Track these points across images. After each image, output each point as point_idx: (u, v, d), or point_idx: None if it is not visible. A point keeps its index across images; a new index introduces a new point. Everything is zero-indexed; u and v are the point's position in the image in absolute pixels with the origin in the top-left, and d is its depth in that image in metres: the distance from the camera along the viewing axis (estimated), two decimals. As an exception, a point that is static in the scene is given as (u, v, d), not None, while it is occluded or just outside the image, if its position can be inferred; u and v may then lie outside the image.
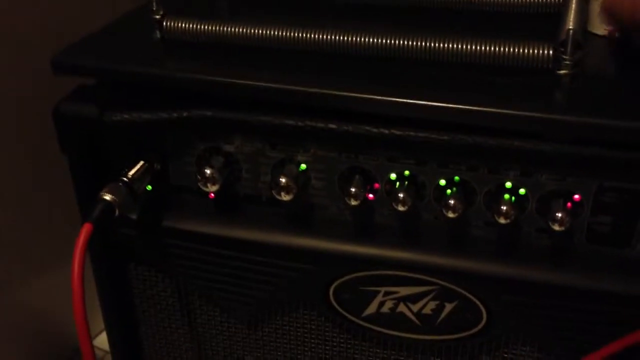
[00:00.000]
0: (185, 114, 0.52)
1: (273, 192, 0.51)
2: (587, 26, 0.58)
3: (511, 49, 0.51)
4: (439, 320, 0.55)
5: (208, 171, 0.52)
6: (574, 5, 0.55)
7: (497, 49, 0.51)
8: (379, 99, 0.49)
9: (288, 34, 0.54)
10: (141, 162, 0.53)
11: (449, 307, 0.54)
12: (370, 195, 0.53)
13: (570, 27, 0.51)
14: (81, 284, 0.44)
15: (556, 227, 0.48)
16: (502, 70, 0.51)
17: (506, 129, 0.48)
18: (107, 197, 0.49)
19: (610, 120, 0.46)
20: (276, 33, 0.54)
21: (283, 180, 0.51)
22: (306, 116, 0.51)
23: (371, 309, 0.56)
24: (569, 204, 0.49)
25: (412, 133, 0.50)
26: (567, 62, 0.50)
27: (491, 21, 0.63)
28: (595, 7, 0.57)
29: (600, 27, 0.57)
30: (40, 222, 0.83)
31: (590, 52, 0.55)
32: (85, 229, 0.46)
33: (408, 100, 0.49)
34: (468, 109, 0.48)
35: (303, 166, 0.53)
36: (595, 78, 0.52)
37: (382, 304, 0.56)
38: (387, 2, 0.66)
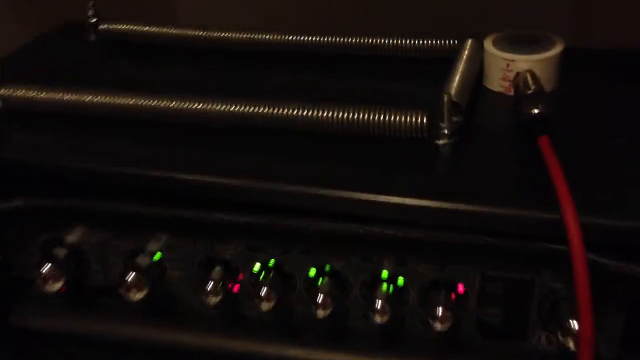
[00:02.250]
0: (15, 204, 0.45)
1: (120, 291, 0.45)
2: (484, 82, 0.52)
3: (382, 117, 0.45)
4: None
5: (48, 267, 0.45)
6: (461, 61, 0.49)
7: (366, 117, 0.45)
8: (235, 184, 0.43)
9: (127, 101, 0.48)
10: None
11: (332, 405, 0.48)
12: (235, 287, 0.46)
13: (449, 91, 0.45)
14: None
15: (438, 326, 0.42)
16: (375, 141, 0.45)
17: (374, 217, 0.42)
18: None
19: (488, 208, 0.40)
20: (114, 101, 0.48)
21: (130, 278, 0.44)
22: (154, 202, 0.45)
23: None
24: (452, 295, 0.43)
25: (273, 221, 0.44)
26: (444, 131, 0.45)
27: (388, 68, 0.57)
28: (492, 61, 0.51)
29: (496, 83, 0.51)
30: None
31: (481, 112, 0.49)
32: None
33: (266, 186, 0.43)
34: (331, 194, 0.42)
35: (158, 255, 0.46)
36: (478, 148, 0.46)
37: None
38: (268, 47, 0.60)
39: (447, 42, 0.56)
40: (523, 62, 0.49)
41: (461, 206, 0.40)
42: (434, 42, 0.57)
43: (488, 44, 0.52)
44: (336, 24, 0.72)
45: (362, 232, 0.43)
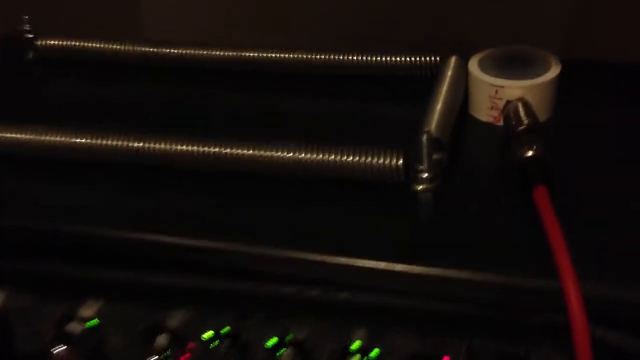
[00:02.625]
0: None
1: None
2: (470, 109, 0.46)
3: (350, 158, 0.38)
4: None
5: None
6: (444, 85, 0.43)
7: (331, 158, 0.39)
8: (181, 242, 0.37)
9: (54, 138, 0.42)
10: None
11: None
12: (184, 358, 0.40)
13: (429, 127, 0.39)
14: None
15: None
16: (343, 186, 0.39)
17: (341, 281, 0.36)
18: None
19: (476, 274, 0.34)
20: (39, 138, 0.42)
21: (59, 351, 0.38)
22: (88, 262, 0.39)
23: None
24: (436, 369, 0.37)
25: (226, 284, 0.38)
26: (424, 175, 0.38)
27: (364, 87, 0.51)
28: (478, 86, 0.45)
29: (483, 112, 0.45)
30: None
31: (467, 147, 0.43)
32: None
33: (217, 245, 0.37)
34: (292, 256, 0.36)
35: (94, 321, 0.40)
36: (464, 195, 0.39)
37: None
38: (226, 64, 0.54)
39: (427, 59, 0.50)
40: (514, 88, 0.43)
41: (445, 272, 0.34)
42: (412, 59, 0.50)
43: (473, 66, 0.45)
44: (316, 40, 0.64)
45: (328, 298, 0.37)
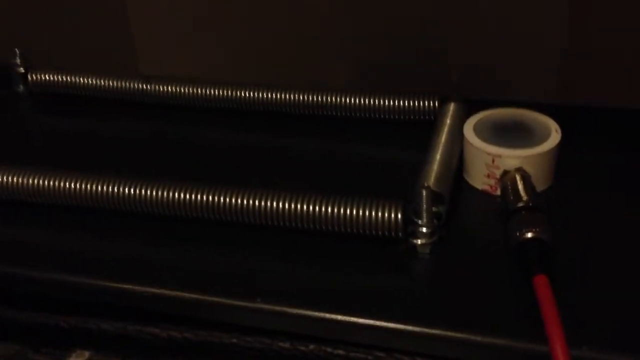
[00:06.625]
0: None
1: None
2: (464, 174, 0.45)
3: (345, 211, 0.38)
4: None
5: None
6: (442, 134, 0.44)
7: (325, 209, 0.38)
8: (170, 295, 0.37)
9: (37, 181, 0.42)
10: None
11: None
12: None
13: (428, 182, 0.39)
14: None
15: None
16: (338, 238, 0.39)
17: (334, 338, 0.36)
18: None
19: (479, 337, 0.33)
20: (22, 181, 0.42)
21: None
22: (75, 313, 0.38)
23: None
24: None
25: (215, 338, 0.37)
26: (423, 230, 0.38)
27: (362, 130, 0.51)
28: (473, 152, 0.44)
29: (479, 180, 0.44)
30: None
31: (464, 210, 0.42)
32: None
33: (205, 298, 0.37)
34: (282, 311, 0.35)
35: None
36: (463, 254, 0.39)
37: None
38: (220, 103, 0.53)
39: (425, 103, 0.49)
40: (512, 158, 0.42)
41: (446, 334, 0.34)
42: (409, 103, 0.50)
43: (469, 131, 0.44)
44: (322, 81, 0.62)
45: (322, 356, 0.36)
